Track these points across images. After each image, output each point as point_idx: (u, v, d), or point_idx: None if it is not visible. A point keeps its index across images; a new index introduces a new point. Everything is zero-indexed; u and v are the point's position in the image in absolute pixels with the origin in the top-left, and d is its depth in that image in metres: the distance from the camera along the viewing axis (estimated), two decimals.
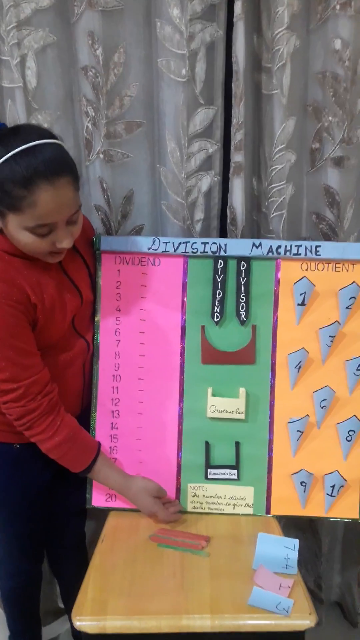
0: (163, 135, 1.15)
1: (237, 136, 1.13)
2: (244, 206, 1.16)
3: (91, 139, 1.16)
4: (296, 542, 0.99)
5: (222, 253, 1.09)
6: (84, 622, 0.86)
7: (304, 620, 0.85)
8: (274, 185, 1.16)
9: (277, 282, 1.10)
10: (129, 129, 1.16)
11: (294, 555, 0.98)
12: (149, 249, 1.09)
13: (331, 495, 1.09)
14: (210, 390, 1.11)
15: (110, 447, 1.12)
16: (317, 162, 1.19)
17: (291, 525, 1.35)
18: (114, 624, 0.86)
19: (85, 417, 1.12)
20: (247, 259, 1.10)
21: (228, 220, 1.18)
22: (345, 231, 1.19)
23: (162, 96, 1.13)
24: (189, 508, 1.12)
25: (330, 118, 1.15)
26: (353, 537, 1.42)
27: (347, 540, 1.44)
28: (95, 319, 1.11)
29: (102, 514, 1.13)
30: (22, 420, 0.95)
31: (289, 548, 1.00)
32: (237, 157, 1.14)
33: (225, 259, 1.10)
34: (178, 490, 1.12)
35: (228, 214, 1.18)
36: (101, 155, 1.16)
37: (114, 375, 1.12)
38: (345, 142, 1.14)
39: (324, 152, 1.18)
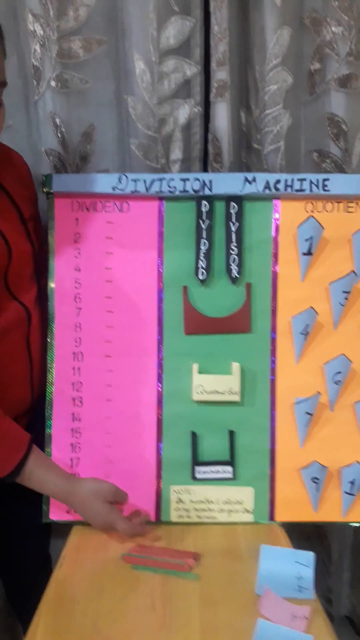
0: (130, 54, 0.92)
1: (220, 47, 0.91)
2: (231, 138, 0.94)
3: (40, 65, 0.93)
4: (311, 556, 0.77)
5: (206, 192, 0.86)
6: None
7: None
8: (268, 111, 0.94)
9: (277, 227, 0.88)
10: (87, 47, 0.93)
11: (308, 574, 0.75)
12: (114, 189, 0.86)
13: (350, 494, 0.86)
14: (196, 367, 0.88)
15: (72, 444, 0.88)
16: (317, 86, 0.98)
17: (293, 530, 1.13)
18: None
19: (39, 408, 0.88)
20: (239, 199, 0.87)
21: (211, 157, 0.96)
22: (354, 168, 0.98)
23: (126, 5, 0.90)
24: (173, 517, 0.89)
25: (332, 29, 0.94)
26: None
27: (358, 546, 1.22)
28: (49, 284, 0.88)
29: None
30: None
31: (301, 564, 0.77)
32: (220, 74, 0.92)
33: (210, 199, 0.87)
34: (158, 495, 0.89)
35: (210, 150, 0.96)
36: (53, 83, 0.93)
37: (74, 353, 0.89)
38: (353, 56, 0.93)
39: (326, 72, 0.97)
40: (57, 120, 0.95)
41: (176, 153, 0.97)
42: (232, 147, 0.95)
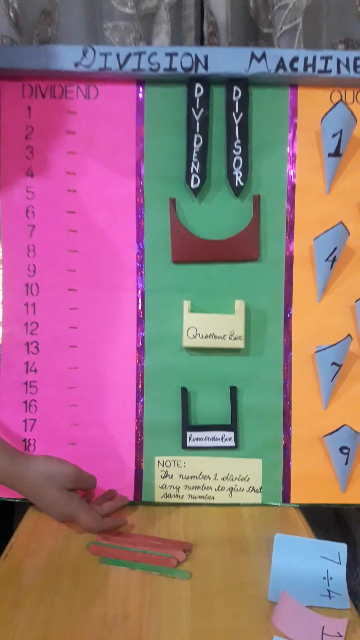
0: None
1: None
2: (230, 11, 0.73)
3: None
4: (342, 548, 0.57)
5: (201, 71, 0.65)
6: None
7: None
8: None
9: (294, 124, 0.67)
10: None
11: (340, 573, 0.56)
12: (77, 65, 0.65)
13: None
14: (187, 305, 0.67)
15: (25, 402, 0.68)
16: None
17: (311, 516, 0.94)
18: None
19: None
20: (244, 82, 0.66)
21: (206, 38, 0.75)
22: None
23: None
24: (158, 497, 0.69)
25: None
26: None
27: None
28: None
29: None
30: None
31: (330, 559, 0.57)
32: None
33: (206, 82, 0.66)
34: (138, 467, 0.69)
35: (205, 28, 0.75)
36: None
37: (26, 285, 0.68)
38: None
39: None
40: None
41: (161, 38, 0.75)
42: (231, 27, 0.74)
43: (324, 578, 0.56)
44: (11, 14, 0.74)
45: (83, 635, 0.49)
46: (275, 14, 0.75)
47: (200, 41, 0.77)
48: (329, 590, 0.55)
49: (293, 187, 0.68)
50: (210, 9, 0.73)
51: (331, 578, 0.56)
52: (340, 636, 0.49)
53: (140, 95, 0.67)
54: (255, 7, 0.78)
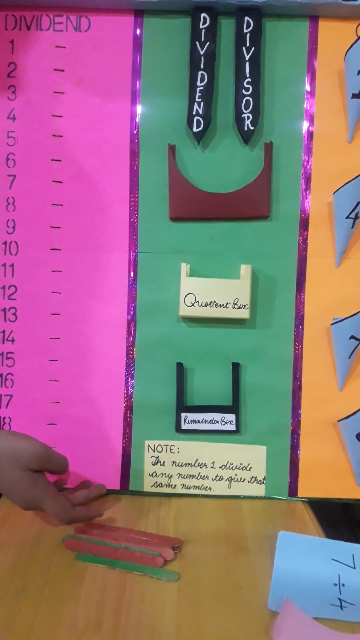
0: None
1: None
2: None
3: None
4: (357, 549, 0.48)
5: None
6: None
7: None
8: None
9: (312, 57, 0.58)
10: None
11: (354, 579, 0.47)
12: None
13: None
14: (185, 268, 0.59)
15: (1, 375, 0.61)
16: None
17: (316, 508, 0.85)
18: None
19: None
20: (256, 12, 0.57)
21: None
22: None
23: None
24: (147, 486, 0.61)
25: None
26: None
27: None
28: None
29: None
30: None
31: (342, 562, 0.49)
32: None
33: (213, 11, 0.57)
34: (126, 453, 0.61)
35: None
36: None
37: (4, 243, 0.60)
38: None
39: None
40: None
41: None
42: None
43: (335, 585, 0.48)
44: None
45: None
46: None
47: None
48: (340, 600, 0.46)
49: (310, 133, 0.59)
50: None
51: (343, 585, 0.48)
52: None
53: (138, 29, 0.58)
54: None
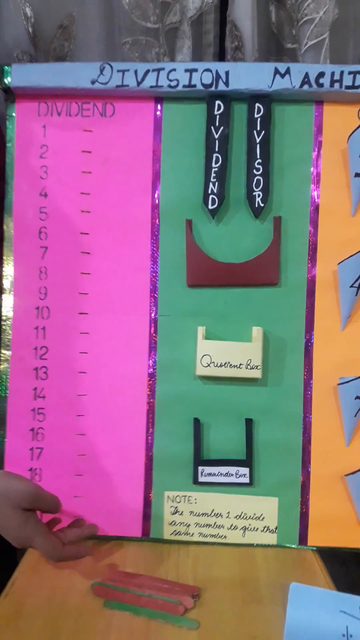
0: None
1: None
2: (256, 28, 0.70)
3: None
4: None
5: (221, 88, 0.62)
6: None
7: None
8: None
9: (319, 143, 0.63)
10: None
11: None
12: (93, 82, 0.63)
13: None
14: (201, 331, 0.64)
15: (33, 429, 0.66)
16: None
17: (327, 553, 0.88)
18: None
19: None
20: (266, 99, 0.63)
21: (228, 54, 0.72)
22: None
23: None
24: (166, 534, 0.65)
25: None
26: None
27: None
28: (4, 212, 0.65)
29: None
30: None
31: (349, 614, 0.53)
32: None
33: (227, 98, 0.63)
34: (147, 503, 0.65)
35: (228, 43, 0.72)
36: None
37: (37, 308, 0.66)
38: None
39: None
40: (27, 11, 0.72)
41: (184, 52, 0.73)
42: (256, 41, 0.71)
43: (344, 635, 0.52)
44: (30, 29, 0.73)
45: None
46: (299, 29, 0.72)
47: (221, 56, 0.75)
48: None
49: (316, 208, 0.64)
50: (235, 22, 0.70)
51: (351, 636, 0.51)
52: None
53: (158, 113, 0.64)
54: (278, 20, 0.75)
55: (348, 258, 0.61)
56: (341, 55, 0.74)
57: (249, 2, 0.70)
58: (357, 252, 0.61)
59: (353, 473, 0.62)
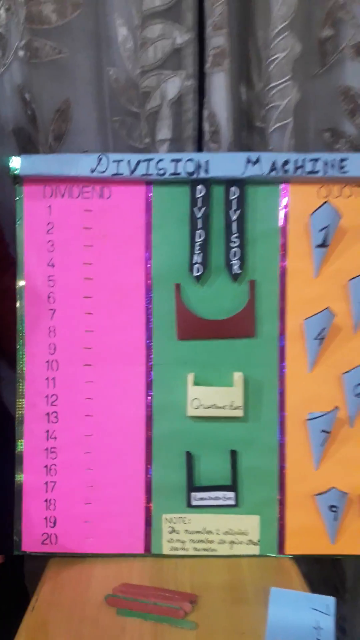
0: (111, 20, 0.80)
1: (217, 10, 0.78)
2: (231, 114, 0.82)
3: (6, 32, 0.81)
4: (331, 601, 0.64)
5: (202, 175, 0.74)
6: None
7: None
8: (273, 84, 0.82)
9: (285, 215, 0.76)
10: (61, 11, 0.81)
11: (329, 624, 0.63)
12: (92, 171, 0.74)
13: None
14: (191, 378, 0.76)
15: (46, 466, 0.76)
16: (329, 56, 0.86)
17: (303, 558, 1.02)
18: None
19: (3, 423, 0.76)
20: (240, 183, 0.75)
21: (207, 136, 0.84)
22: None
23: None
24: (166, 550, 0.77)
25: None
26: None
27: None
28: (18, 281, 0.76)
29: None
30: None
31: (319, 611, 0.65)
32: (217, 40, 0.79)
33: (207, 183, 0.75)
34: (148, 524, 0.77)
35: (206, 127, 0.84)
36: (21, 53, 0.81)
37: (47, 362, 0.76)
38: None
39: (339, 40, 0.85)
40: (26, 96, 0.82)
41: (164, 132, 0.84)
42: (231, 124, 0.82)
43: (315, 628, 0.64)
44: (29, 111, 0.83)
45: None
46: (267, 112, 0.84)
47: (200, 134, 0.86)
48: (317, 639, 0.63)
49: (285, 272, 0.76)
50: (212, 109, 0.82)
51: (321, 628, 0.64)
52: None
53: (149, 195, 0.75)
54: (248, 101, 0.87)
55: (312, 316, 0.74)
56: (303, 131, 0.87)
57: (224, 91, 0.81)
58: (321, 311, 0.74)
59: (321, 493, 0.75)
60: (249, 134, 0.88)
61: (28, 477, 0.76)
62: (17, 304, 0.76)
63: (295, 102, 0.84)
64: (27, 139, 0.84)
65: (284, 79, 0.82)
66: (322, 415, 0.74)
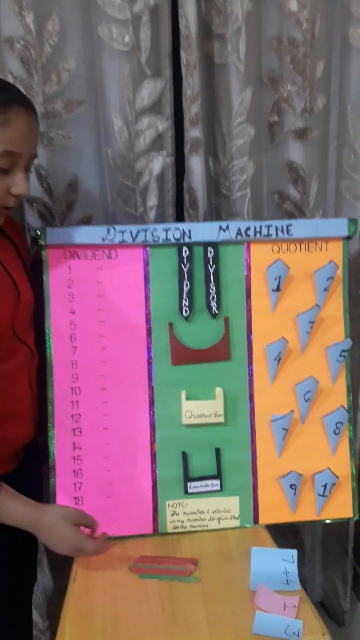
0: (108, 113, 1.01)
1: (193, 109, 1.01)
2: (204, 187, 1.05)
3: None
4: (294, 553, 0.89)
5: (186, 239, 0.97)
6: None
7: None
8: (235, 162, 1.06)
9: (248, 267, 1.00)
10: (69, 107, 1.01)
11: (293, 568, 0.88)
12: (103, 239, 0.95)
13: (323, 496, 1.00)
14: (184, 394, 0.99)
15: (74, 470, 0.97)
16: (276, 136, 1.11)
17: (271, 528, 1.26)
18: None
19: (40, 440, 0.96)
20: (215, 245, 0.98)
21: (187, 204, 1.07)
22: (311, 208, 1.12)
23: (104, 68, 0.99)
24: (169, 528, 0.99)
25: (289, 87, 1.06)
26: (334, 534, 1.35)
27: (328, 539, 1.38)
28: (46, 326, 0.96)
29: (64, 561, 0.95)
30: None
31: (286, 560, 0.89)
32: (194, 133, 1.02)
33: (190, 246, 0.98)
34: (155, 509, 0.99)
35: (186, 197, 1.07)
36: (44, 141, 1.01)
37: (72, 388, 0.97)
38: (307, 112, 1.06)
39: (284, 124, 1.10)
40: (42, 172, 1.02)
41: (152, 200, 1.06)
42: (205, 196, 1.06)
43: (284, 572, 0.88)
44: (44, 185, 1.03)
45: (139, 623, 0.79)
46: (231, 183, 1.08)
47: (178, 197, 1.08)
48: (287, 580, 0.87)
49: (250, 310, 1.00)
50: (190, 184, 1.05)
51: (288, 572, 0.88)
52: (295, 606, 0.81)
53: (146, 255, 0.98)
54: (215, 171, 1.10)
55: (271, 344, 0.99)
56: (258, 195, 1.11)
57: (199, 172, 1.04)
58: (278, 339, 0.98)
59: (284, 476, 1.00)
60: (217, 197, 1.12)
61: (60, 480, 0.97)
62: (46, 344, 0.96)
63: (252, 174, 1.08)
64: (43, 207, 1.03)
65: (242, 159, 1.06)
66: (282, 417, 0.99)
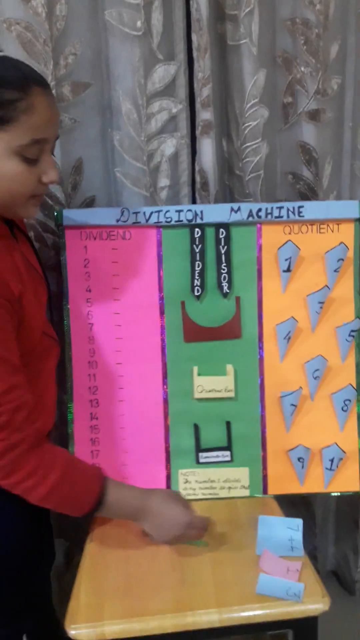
0: (116, 96, 1.04)
1: (204, 92, 1.03)
2: (216, 169, 1.08)
3: None
4: (299, 522, 0.94)
5: (198, 221, 1.00)
6: (79, 630, 0.79)
7: (316, 604, 0.80)
8: (248, 144, 1.08)
9: (259, 248, 1.03)
10: (75, 90, 1.03)
11: (298, 536, 0.92)
12: (117, 220, 0.99)
13: (330, 469, 1.04)
14: (195, 370, 1.03)
15: (92, 439, 1.03)
16: (290, 117, 1.12)
17: (283, 500, 1.30)
18: (113, 629, 0.78)
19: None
20: (226, 226, 1.01)
21: (198, 186, 1.09)
22: (325, 190, 1.13)
23: (112, 53, 1.01)
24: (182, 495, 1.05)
25: (302, 69, 1.07)
26: (346, 507, 1.39)
27: (341, 511, 1.42)
28: (65, 304, 1.01)
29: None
30: (1, 461, 0.73)
31: (292, 529, 0.94)
32: (204, 115, 1.04)
33: (202, 227, 1.01)
34: (168, 477, 1.04)
35: (197, 178, 1.09)
36: None
37: (89, 362, 1.03)
38: (320, 94, 1.07)
39: (297, 106, 1.11)
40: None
41: (163, 181, 1.08)
42: (217, 177, 1.08)
43: (289, 540, 0.93)
44: None
45: (150, 580, 0.85)
46: (244, 164, 1.10)
47: (192, 178, 1.10)
48: (291, 546, 0.91)
49: (261, 290, 1.03)
50: (202, 166, 1.07)
51: (293, 539, 0.93)
52: (297, 570, 0.85)
53: (159, 236, 1.01)
54: (229, 151, 1.12)
55: (281, 323, 1.02)
56: (272, 177, 1.13)
57: (210, 153, 1.06)
58: (286, 320, 1.01)
59: (292, 449, 1.04)
60: (230, 178, 1.14)
61: (78, 449, 1.03)
62: (64, 321, 1.01)
63: (265, 156, 1.09)
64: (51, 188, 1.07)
65: (256, 141, 1.07)
66: (291, 393, 1.03)
